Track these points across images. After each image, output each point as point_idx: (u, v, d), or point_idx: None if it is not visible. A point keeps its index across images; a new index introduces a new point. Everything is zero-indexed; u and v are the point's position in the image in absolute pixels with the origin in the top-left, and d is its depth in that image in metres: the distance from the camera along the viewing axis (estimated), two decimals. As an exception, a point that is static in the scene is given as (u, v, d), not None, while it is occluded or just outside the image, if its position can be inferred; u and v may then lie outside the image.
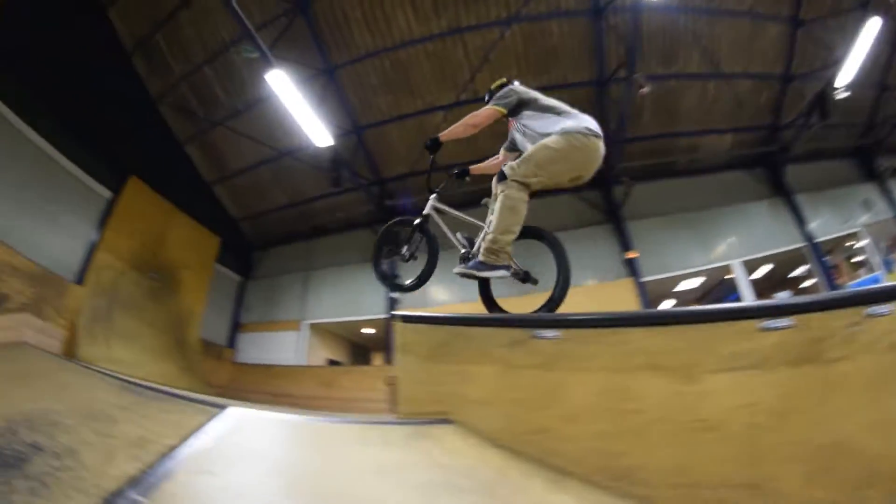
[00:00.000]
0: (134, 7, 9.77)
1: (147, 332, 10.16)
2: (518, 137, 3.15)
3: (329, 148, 9.36)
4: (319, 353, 12.87)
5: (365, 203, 11.89)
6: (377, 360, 15.50)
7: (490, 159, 3.57)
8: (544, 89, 9.14)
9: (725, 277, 10.79)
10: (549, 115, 2.92)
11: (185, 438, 1.52)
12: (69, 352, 8.22)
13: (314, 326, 12.65)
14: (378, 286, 11.53)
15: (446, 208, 3.45)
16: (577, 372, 2.12)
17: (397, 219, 3.65)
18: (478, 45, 8.87)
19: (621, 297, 9.47)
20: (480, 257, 2.88)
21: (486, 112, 2.99)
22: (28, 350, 6.44)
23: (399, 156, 11.02)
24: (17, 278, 8.02)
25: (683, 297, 12.31)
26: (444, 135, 3.09)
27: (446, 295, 10.88)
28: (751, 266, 10.21)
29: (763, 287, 11.97)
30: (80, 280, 9.24)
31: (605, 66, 9.05)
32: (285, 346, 12.34)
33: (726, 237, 10.24)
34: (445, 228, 3.42)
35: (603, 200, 10.63)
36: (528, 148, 2.88)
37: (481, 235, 3.06)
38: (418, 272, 3.49)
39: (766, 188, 10.63)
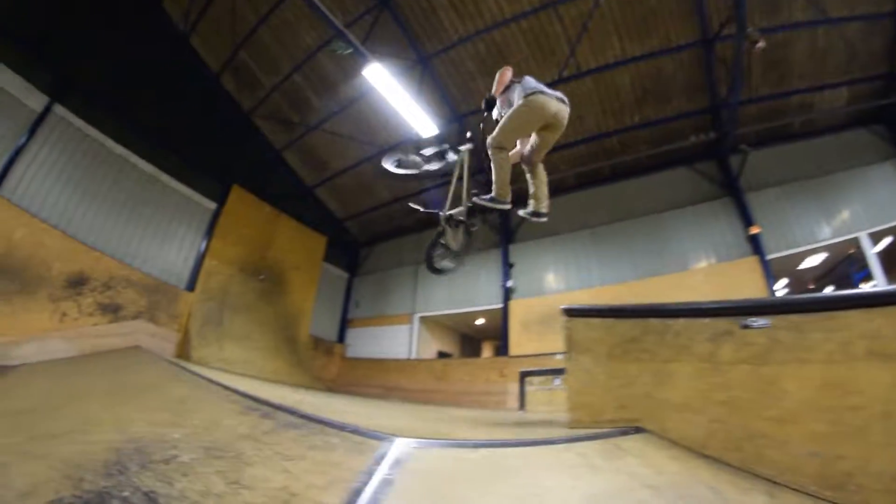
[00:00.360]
0: (212, 32, 10.36)
1: (257, 332, 10.53)
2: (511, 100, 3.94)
3: (433, 138, 9.22)
4: (430, 346, 12.84)
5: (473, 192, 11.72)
6: (487, 350, 15.44)
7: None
8: (652, 56, 8.59)
9: (849, 252, 9.75)
10: (518, 86, 3.78)
11: (354, 493, 1.18)
12: (182, 353, 8.78)
13: (424, 319, 12.62)
14: (493, 276, 11.39)
15: (465, 169, 4.29)
16: (792, 365, 1.89)
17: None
18: (573, 16, 8.46)
19: (745, 278, 8.69)
20: (493, 194, 3.78)
21: (504, 70, 3.91)
22: (142, 355, 6.68)
23: (505, 139, 10.70)
24: (131, 289, 8.55)
25: (802, 277, 11.23)
26: (495, 90, 3.94)
27: (563, 283, 10.45)
28: (875, 238, 9.17)
29: (886, 263, 10.73)
30: (190, 287, 9.79)
31: (708, 25, 8.51)
32: (396, 340, 12.39)
33: (850, 205, 9.24)
34: (466, 167, 4.31)
35: (719, 172, 9.85)
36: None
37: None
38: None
39: (888, 147, 9.58)
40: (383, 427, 1.92)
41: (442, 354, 13.19)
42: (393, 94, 8.15)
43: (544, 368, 6.53)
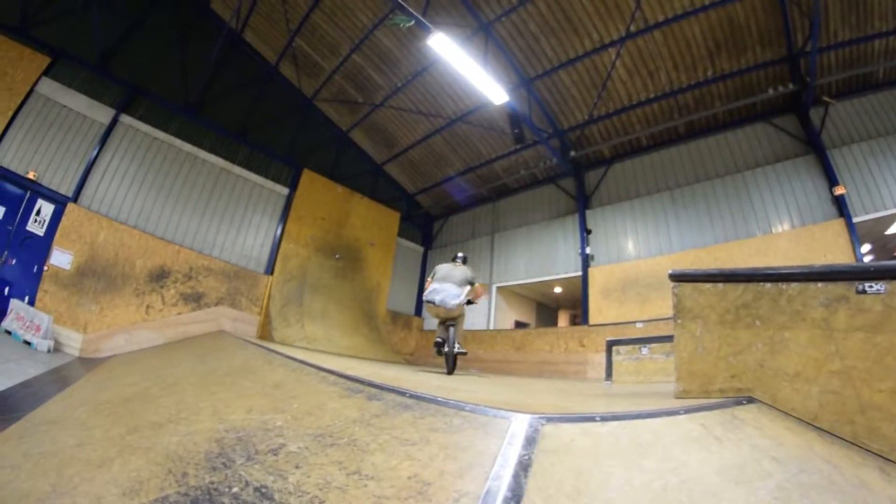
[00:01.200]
0: (265, 25, 10.72)
1: (336, 309, 10.88)
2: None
3: (503, 106, 9.13)
4: (507, 316, 12.83)
5: (547, 157, 11.57)
6: (562, 319, 15.40)
7: None
8: (722, 3, 7.97)
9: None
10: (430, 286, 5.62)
11: (494, 478, 1.09)
12: (264, 334, 9.16)
13: (502, 289, 12.56)
14: (570, 243, 11.25)
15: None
16: (908, 333, 1.80)
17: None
18: (636, -35, 8.14)
19: (831, 242, 8.18)
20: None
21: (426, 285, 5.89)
22: (228, 339, 6.99)
23: (575, 101, 10.50)
24: (212, 277, 8.94)
25: (888, 244, 10.52)
26: (424, 293, 5.79)
27: (643, 249, 10.06)
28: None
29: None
30: (269, 270, 10.10)
31: (779, -35, 7.98)
32: (473, 311, 12.20)
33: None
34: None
35: (800, 127, 9.14)
36: None
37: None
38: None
39: (981, 93, 8.81)
40: (496, 403, 1.82)
41: (519, 324, 13.15)
42: (458, 63, 8.01)
43: (632, 338, 6.43)
